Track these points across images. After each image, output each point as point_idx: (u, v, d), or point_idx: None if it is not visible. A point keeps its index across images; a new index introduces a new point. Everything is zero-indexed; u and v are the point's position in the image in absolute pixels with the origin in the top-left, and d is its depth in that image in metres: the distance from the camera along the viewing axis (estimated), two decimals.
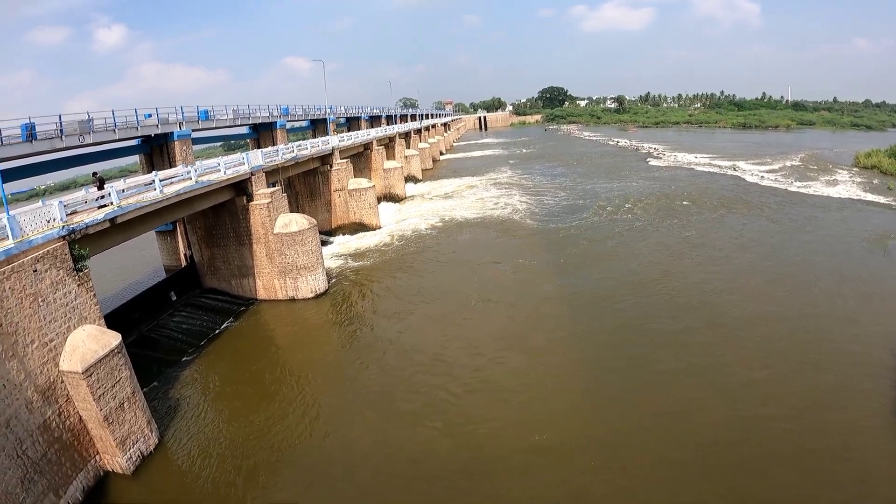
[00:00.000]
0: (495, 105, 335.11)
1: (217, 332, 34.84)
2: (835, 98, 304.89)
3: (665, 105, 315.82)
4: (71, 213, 24.66)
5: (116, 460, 21.36)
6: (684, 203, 61.14)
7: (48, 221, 22.59)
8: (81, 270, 22.83)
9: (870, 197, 63.22)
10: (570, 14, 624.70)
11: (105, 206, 26.59)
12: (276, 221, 39.32)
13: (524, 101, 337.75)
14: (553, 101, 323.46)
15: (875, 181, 74.29)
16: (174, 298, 38.83)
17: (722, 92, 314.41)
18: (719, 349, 26.80)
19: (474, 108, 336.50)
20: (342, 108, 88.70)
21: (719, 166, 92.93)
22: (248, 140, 62.19)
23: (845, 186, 71.01)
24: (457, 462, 20.19)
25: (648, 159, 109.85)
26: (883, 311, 31.02)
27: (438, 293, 38.38)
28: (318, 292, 40.05)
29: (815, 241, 45.39)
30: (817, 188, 70.09)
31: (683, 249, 43.87)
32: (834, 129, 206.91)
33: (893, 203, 59.61)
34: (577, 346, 28.37)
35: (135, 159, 46.47)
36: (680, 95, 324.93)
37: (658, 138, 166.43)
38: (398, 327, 33.26)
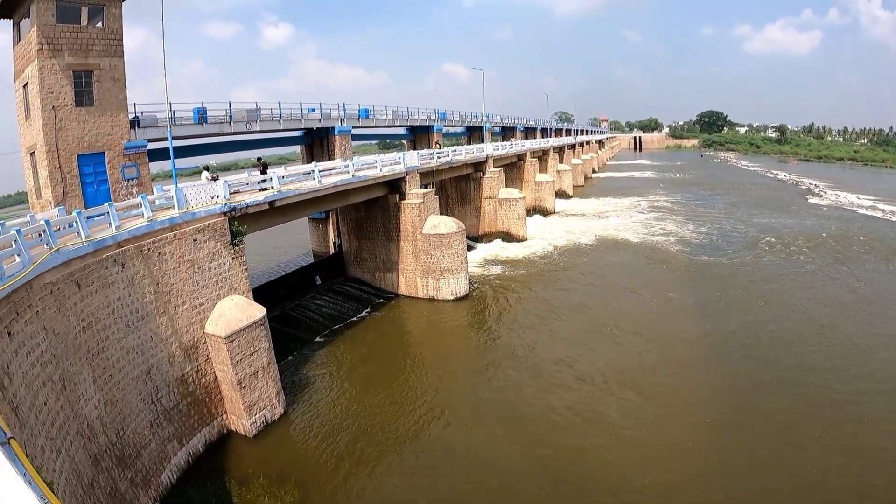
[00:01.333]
0: (651, 126, 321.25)
1: (354, 319, 35.42)
2: None
3: (829, 138, 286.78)
4: (234, 193, 25.82)
5: (241, 422, 22.01)
6: (851, 249, 53.29)
7: (212, 197, 23.78)
8: (237, 245, 23.89)
9: None
10: (733, 34, 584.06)
11: (266, 189, 27.70)
12: (425, 222, 39.40)
13: (681, 123, 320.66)
14: (711, 125, 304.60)
15: None
16: (319, 282, 40.10)
17: (891, 128, 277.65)
18: (871, 429, 21.73)
19: (630, 127, 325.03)
20: (498, 118, 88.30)
21: (883, 210, 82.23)
22: (405, 141, 63.47)
23: None
24: (547, 486, 18.85)
25: (808, 196, 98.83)
26: None
27: (574, 314, 36.21)
28: (458, 295, 39.48)
29: None
30: None
31: (848, 302, 37.17)
32: None
33: None
34: (707, 399, 24.72)
35: (295, 149, 48.78)
36: (845, 129, 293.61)
37: (819, 174, 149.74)
38: (527, 342, 31.74)
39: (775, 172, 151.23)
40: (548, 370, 27.92)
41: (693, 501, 17.99)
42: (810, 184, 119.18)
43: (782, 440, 21.19)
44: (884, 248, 52.11)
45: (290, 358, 29.10)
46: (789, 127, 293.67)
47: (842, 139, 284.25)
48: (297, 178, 30.64)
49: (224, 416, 22.20)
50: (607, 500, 18.16)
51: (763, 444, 20.91)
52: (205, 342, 21.55)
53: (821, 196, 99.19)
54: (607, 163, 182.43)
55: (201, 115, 31.00)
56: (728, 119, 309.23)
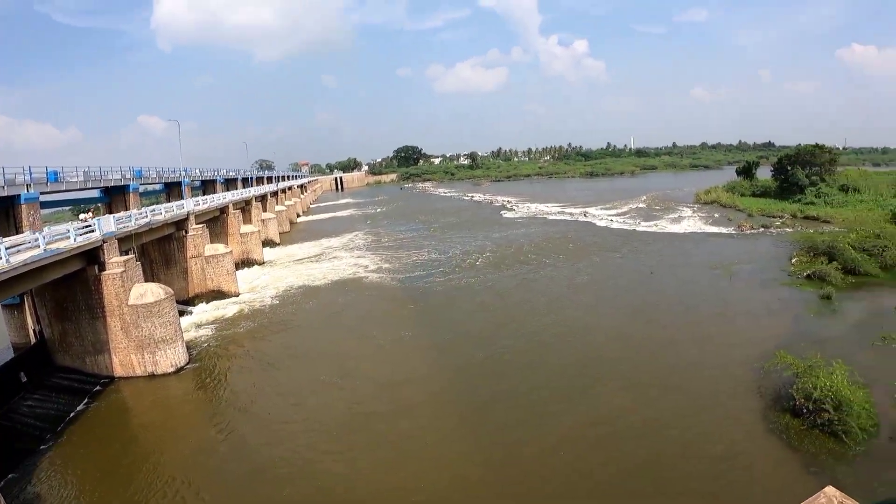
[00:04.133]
0: (351, 165, 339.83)
1: (73, 414, 32.75)
2: (674, 143, 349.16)
3: (516, 159, 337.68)
4: None
5: None
6: (541, 253, 65.74)
7: None
8: None
9: (712, 229, 73.22)
10: (427, 74, 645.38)
11: None
12: (130, 292, 37.85)
13: (380, 160, 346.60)
14: (408, 159, 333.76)
15: (716, 214, 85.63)
16: (25, 380, 35.96)
17: (569, 144, 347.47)
18: (596, 401, 28.46)
19: (330, 168, 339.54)
20: (197, 171, 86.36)
21: (571, 213, 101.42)
22: (100, 204, 59.44)
23: (689, 222, 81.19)
24: None
25: (503, 212, 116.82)
26: (733, 331, 36.07)
27: (298, 364, 38.37)
28: (179, 365, 38.58)
29: (667, 276, 51.24)
30: (664, 226, 79.26)
31: (547, 298, 46.80)
32: (675, 171, 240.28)
33: (734, 233, 69.24)
34: (447, 428, 27.83)
35: None
36: (530, 149, 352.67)
37: (511, 191, 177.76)
38: (252, 398, 33.21)
39: (471, 195, 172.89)
40: (275, 423, 29.60)
41: None
42: (504, 201, 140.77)
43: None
44: (566, 247, 67.06)
45: (10, 476, 25.90)
46: (479, 153, 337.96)
47: (527, 158, 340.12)
48: None
49: None
50: None
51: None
52: None
53: (514, 210, 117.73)
54: (311, 206, 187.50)
55: None
56: (423, 152, 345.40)
